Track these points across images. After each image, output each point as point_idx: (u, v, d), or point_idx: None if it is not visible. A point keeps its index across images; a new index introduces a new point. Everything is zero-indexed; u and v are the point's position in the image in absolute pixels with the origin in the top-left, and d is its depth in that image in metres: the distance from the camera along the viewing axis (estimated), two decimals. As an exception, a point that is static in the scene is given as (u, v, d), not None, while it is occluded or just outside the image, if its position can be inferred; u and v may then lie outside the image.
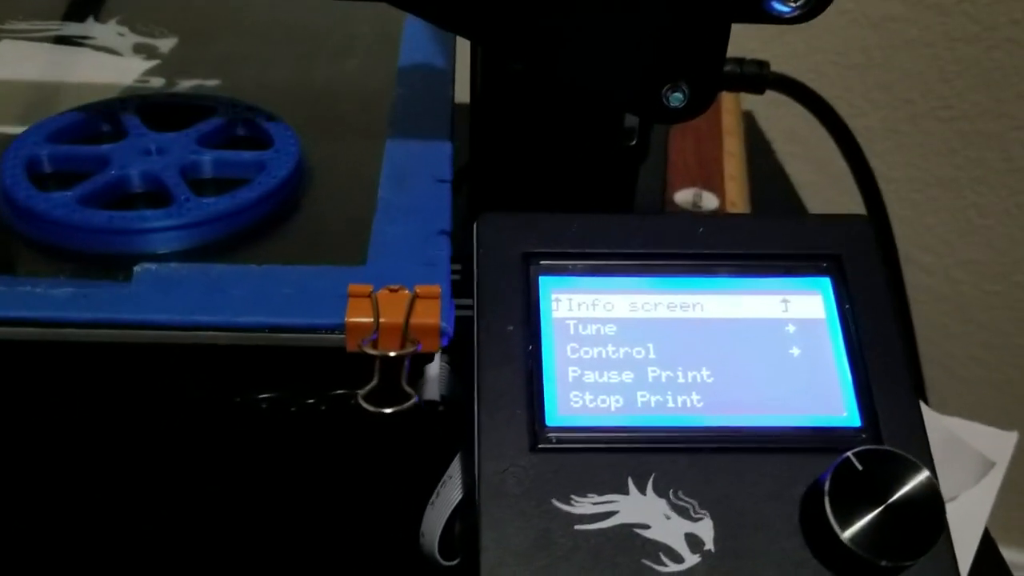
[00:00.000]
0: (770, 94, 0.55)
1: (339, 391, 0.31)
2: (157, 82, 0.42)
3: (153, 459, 0.32)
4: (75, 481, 0.33)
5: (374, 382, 0.29)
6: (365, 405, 0.29)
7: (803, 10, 0.32)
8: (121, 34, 0.46)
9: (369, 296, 0.29)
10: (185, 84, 0.41)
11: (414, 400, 0.29)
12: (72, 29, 0.46)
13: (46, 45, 0.45)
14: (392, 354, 0.29)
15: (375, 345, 0.29)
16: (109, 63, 0.44)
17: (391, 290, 0.30)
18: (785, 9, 0.32)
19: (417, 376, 0.31)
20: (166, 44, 0.45)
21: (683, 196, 0.58)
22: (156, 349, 0.29)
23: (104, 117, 0.37)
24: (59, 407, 0.31)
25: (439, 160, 0.36)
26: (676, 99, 0.35)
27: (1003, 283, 0.83)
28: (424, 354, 0.30)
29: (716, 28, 0.34)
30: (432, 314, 0.29)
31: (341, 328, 0.29)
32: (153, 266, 0.31)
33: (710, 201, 0.58)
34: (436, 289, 0.30)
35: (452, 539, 0.33)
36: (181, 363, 0.30)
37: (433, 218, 0.34)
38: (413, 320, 0.29)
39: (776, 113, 0.72)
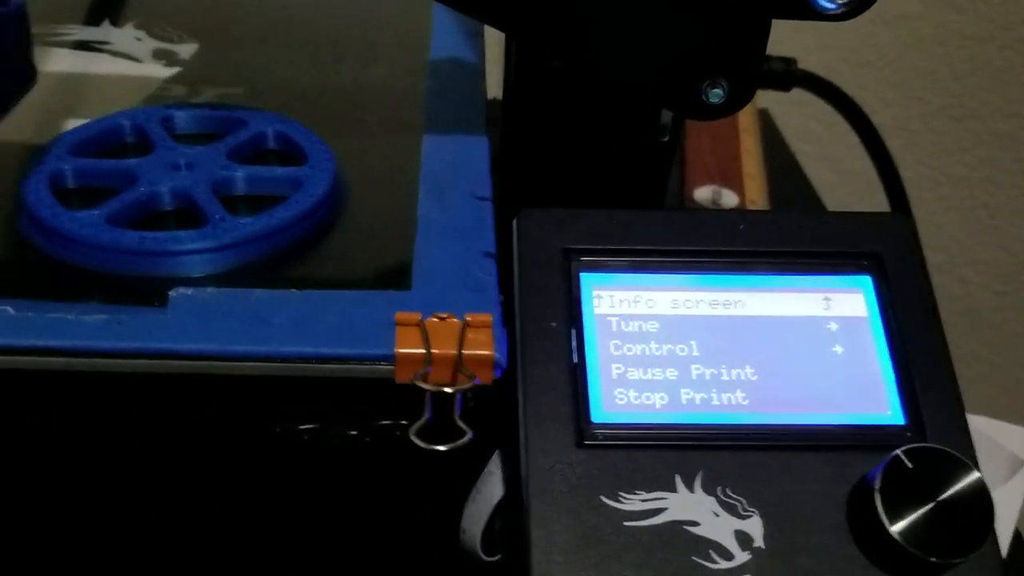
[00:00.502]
0: (781, 93, 0.55)
1: (384, 422, 0.30)
2: (179, 90, 0.41)
3: (192, 491, 0.31)
4: (111, 515, 0.32)
5: (426, 417, 0.28)
6: (418, 442, 0.28)
7: (848, 7, 0.32)
8: (139, 39, 0.44)
9: (418, 325, 0.28)
10: (208, 93, 0.40)
11: (469, 436, 0.28)
12: (88, 34, 0.44)
13: (62, 51, 0.43)
14: (449, 390, 0.28)
15: (426, 378, 0.28)
16: (129, 70, 0.42)
17: (440, 318, 0.29)
18: (831, 6, 0.32)
19: (468, 406, 0.30)
20: (186, 50, 0.44)
21: (702, 194, 0.58)
22: (194, 379, 0.28)
23: (128, 128, 0.36)
24: (91, 439, 0.30)
25: (477, 174, 0.36)
26: (716, 95, 0.35)
27: (1013, 283, 0.84)
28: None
29: (758, 24, 0.34)
30: (485, 345, 0.28)
31: (390, 359, 0.28)
32: (189, 291, 0.30)
33: (730, 199, 0.58)
34: (488, 318, 0.29)
35: (493, 535, 0.33)
36: (220, 393, 0.29)
37: (476, 238, 0.33)
38: (466, 351, 0.28)
39: (790, 111, 0.72)
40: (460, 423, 0.28)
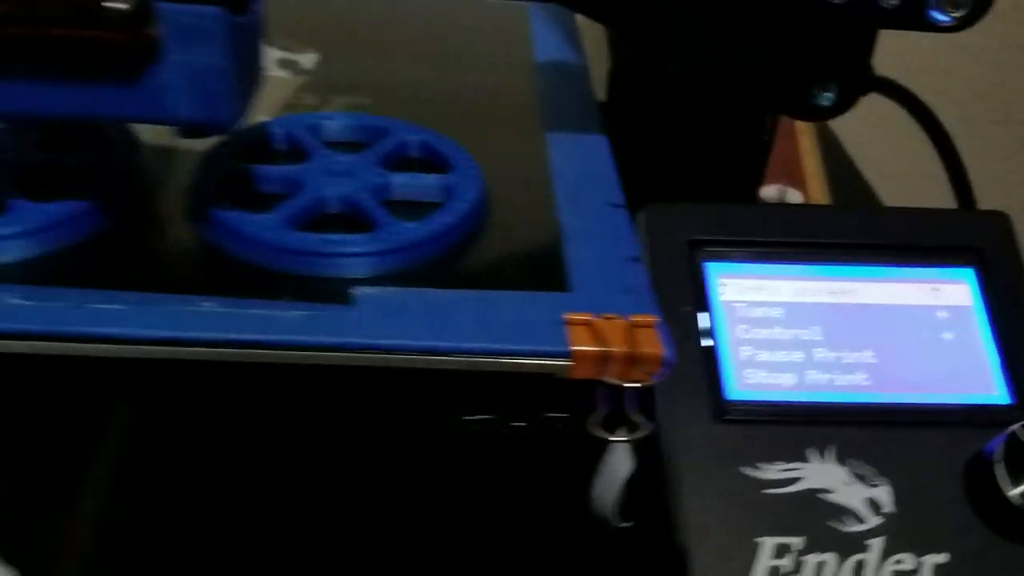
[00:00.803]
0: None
1: (549, 414, 0.31)
2: (311, 99, 0.41)
3: (374, 473, 0.33)
4: (296, 500, 0.33)
5: (603, 410, 0.30)
6: (600, 433, 0.30)
7: (961, 20, 0.34)
8: None
9: (587, 324, 0.30)
10: (339, 101, 0.41)
11: (649, 428, 0.30)
12: None
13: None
14: (637, 385, 0.29)
15: (602, 374, 0.29)
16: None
17: (606, 318, 0.30)
18: (945, 18, 0.34)
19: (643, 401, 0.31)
20: (307, 59, 0.44)
21: (768, 192, 0.60)
22: (379, 372, 0.30)
23: (281, 136, 0.38)
24: (278, 428, 0.32)
25: (608, 181, 0.37)
26: (826, 99, 0.37)
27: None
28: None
29: (868, 34, 0.36)
30: (654, 343, 0.29)
31: (566, 356, 0.29)
32: (373, 290, 0.31)
33: (795, 197, 0.60)
34: (652, 318, 0.30)
35: (623, 504, 0.35)
36: (400, 385, 0.31)
37: (619, 244, 0.34)
38: (637, 349, 0.29)
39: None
40: (636, 418, 0.30)
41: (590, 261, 0.33)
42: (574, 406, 0.31)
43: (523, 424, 0.32)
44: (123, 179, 0.35)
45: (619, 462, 0.36)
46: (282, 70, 0.44)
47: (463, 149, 0.37)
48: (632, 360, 0.29)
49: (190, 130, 0.30)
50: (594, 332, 0.29)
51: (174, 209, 0.35)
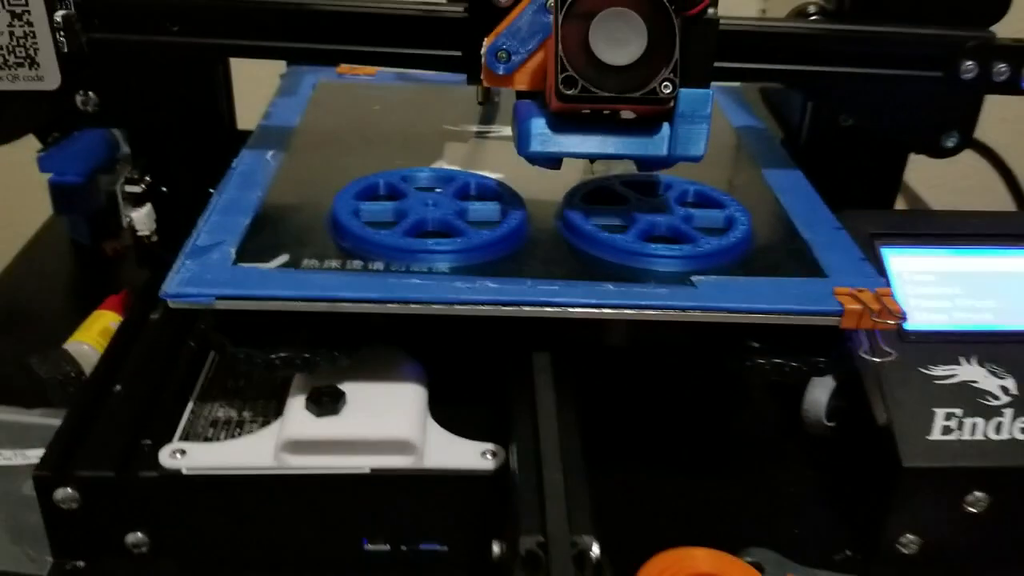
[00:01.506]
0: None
1: (811, 357, 0.48)
2: (599, 167, 0.59)
3: (697, 393, 0.53)
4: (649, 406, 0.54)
5: (864, 345, 0.48)
6: (866, 357, 0.48)
7: (1043, 88, 0.54)
8: None
9: (850, 294, 0.47)
10: (618, 167, 0.58)
11: (894, 355, 0.48)
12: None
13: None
14: (891, 322, 0.46)
15: (862, 324, 0.46)
16: None
17: (859, 291, 0.47)
18: (1032, 87, 0.54)
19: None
20: None
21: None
22: (712, 326, 0.47)
23: (616, 186, 0.56)
24: (649, 361, 0.52)
25: (823, 210, 0.56)
26: (951, 142, 0.57)
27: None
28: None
29: (980, 97, 0.56)
30: (895, 304, 0.46)
31: (840, 313, 0.46)
32: (702, 278, 0.48)
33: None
34: (889, 290, 0.47)
35: (827, 411, 0.54)
36: (721, 335, 0.48)
37: (850, 251, 0.52)
38: (887, 307, 0.46)
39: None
40: (886, 348, 0.49)
41: (834, 260, 0.51)
42: (827, 351, 0.50)
43: (796, 365, 0.50)
44: (519, 214, 0.53)
45: (823, 384, 0.55)
46: None
47: (722, 192, 0.56)
48: (883, 314, 0.47)
49: (651, 166, 0.50)
50: (856, 298, 0.48)
51: (553, 233, 0.54)
